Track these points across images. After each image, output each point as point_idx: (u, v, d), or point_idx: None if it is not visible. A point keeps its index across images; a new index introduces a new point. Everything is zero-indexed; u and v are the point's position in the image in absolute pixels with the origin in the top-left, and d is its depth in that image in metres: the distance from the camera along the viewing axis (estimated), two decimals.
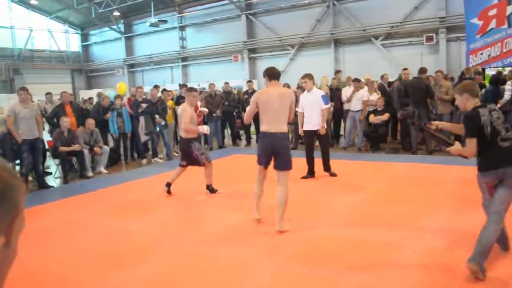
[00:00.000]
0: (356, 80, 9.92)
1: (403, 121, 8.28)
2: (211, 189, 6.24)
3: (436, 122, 4.03)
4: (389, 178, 6.77)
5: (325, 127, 6.97)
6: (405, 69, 9.55)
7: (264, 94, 4.47)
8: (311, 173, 7.07)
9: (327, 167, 7.09)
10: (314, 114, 6.84)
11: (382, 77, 11.04)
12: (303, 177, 6.98)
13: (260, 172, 4.64)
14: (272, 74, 4.52)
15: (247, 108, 4.81)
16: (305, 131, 7.09)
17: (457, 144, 3.57)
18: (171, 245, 4.25)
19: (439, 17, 14.81)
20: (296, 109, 6.27)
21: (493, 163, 3.32)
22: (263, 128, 4.45)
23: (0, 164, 0.79)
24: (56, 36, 26.77)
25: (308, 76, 6.83)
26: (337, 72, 11.72)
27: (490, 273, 3.17)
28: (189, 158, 6.05)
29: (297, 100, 6.08)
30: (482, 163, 3.41)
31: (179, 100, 10.27)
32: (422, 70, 8.86)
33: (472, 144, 3.35)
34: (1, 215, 0.76)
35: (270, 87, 4.50)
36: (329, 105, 6.87)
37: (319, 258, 3.73)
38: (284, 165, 4.39)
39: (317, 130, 6.84)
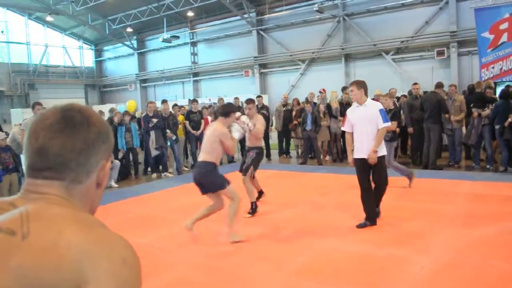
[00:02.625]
0: None
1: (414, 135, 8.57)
2: None
3: None
4: (397, 193, 6.67)
5: (376, 152, 4.84)
6: (415, 84, 9.49)
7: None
8: (370, 219, 4.97)
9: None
10: (367, 135, 4.92)
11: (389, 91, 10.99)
12: (359, 226, 4.95)
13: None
14: (220, 111, 4.93)
15: None
16: (356, 160, 5.04)
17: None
18: (180, 258, 4.26)
19: (450, 31, 14.81)
20: (343, 128, 5.28)
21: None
22: None
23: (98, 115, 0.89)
24: (70, 52, 27.31)
25: (357, 84, 5.06)
26: (344, 88, 10.78)
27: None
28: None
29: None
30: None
31: (189, 115, 10.36)
32: (439, 85, 8.76)
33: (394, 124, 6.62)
34: (103, 151, 0.85)
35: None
36: (389, 123, 5.00)
37: (327, 273, 3.71)
38: (212, 189, 4.71)
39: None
